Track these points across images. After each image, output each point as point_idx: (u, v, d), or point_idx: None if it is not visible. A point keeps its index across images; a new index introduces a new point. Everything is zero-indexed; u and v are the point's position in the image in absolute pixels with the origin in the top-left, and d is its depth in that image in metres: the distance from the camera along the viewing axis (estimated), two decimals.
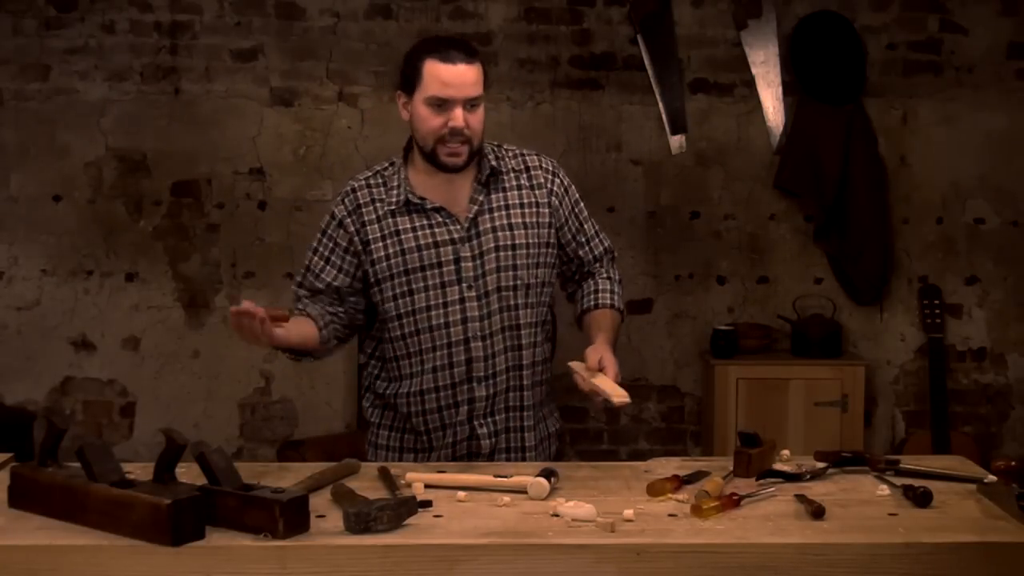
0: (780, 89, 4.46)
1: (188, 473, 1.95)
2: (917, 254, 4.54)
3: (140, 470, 2.00)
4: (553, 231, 2.49)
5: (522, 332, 2.43)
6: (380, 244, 2.39)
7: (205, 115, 4.42)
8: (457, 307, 2.37)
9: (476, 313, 2.38)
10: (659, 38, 4.44)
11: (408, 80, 2.36)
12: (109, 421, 4.49)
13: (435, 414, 2.41)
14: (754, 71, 4.46)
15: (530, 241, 2.43)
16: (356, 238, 2.41)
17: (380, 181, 2.44)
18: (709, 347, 4.38)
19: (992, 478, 2.07)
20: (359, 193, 2.43)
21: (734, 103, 4.50)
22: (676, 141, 4.48)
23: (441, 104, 2.31)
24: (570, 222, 2.53)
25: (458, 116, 2.31)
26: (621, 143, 4.49)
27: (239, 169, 4.44)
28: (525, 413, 2.46)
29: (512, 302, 2.41)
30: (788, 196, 4.51)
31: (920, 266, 4.54)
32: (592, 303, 2.53)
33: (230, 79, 4.41)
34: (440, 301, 2.37)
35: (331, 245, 2.43)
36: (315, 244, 2.47)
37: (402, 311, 2.40)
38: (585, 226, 2.56)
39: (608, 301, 2.52)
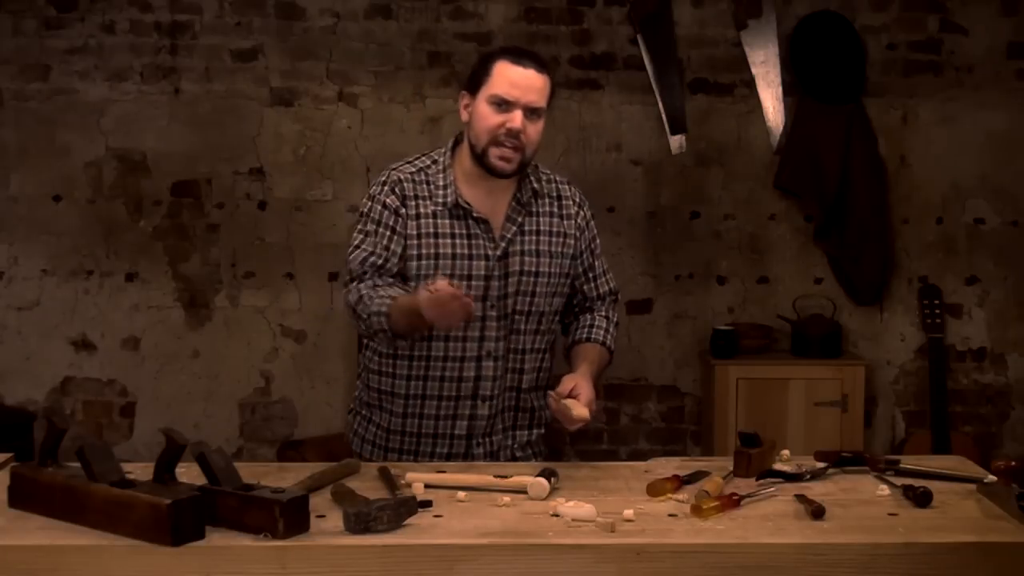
0: (780, 89, 4.46)
1: (188, 473, 1.95)
2: (917, 254, 4.54)
3: (140, 470, 1.99)
4: (575, 263, 2.49)
5: (526, 356, 2.43)
6: (416, 242, 2.36)
7: (205, 115, 4.42)
8: (478, 324, 2.35)
9: (493, 333, 2.37)
10: (659, 38, 4.44)
11: (475, 79, 2.35)
12: (109, 421, 4.49)
13: (431, 421, 2.41)
14: (754, 71, 4.46)
15: (552, 271, 2.43)
16: (404, 230, 2.37)
17: (424, 178, 2.40)
18: (709, 347, 4.37)
19: (992, 478, 2.07)
20: (406, 185, 2.39)
21: (734, 103, 4.49)
22: (676, 141, 4.47)
23: (503, 104, 2.30)
24: (584, 256, 2.52)
25: (517, 118, 2.30)
26: (621, 143, 4.49)
27: (239, 169, 4.44)
28: (518, 433, 2.47)
29: (521, 327, 2.40)
30: (788, 196, 4.51)
31: (920, 266, 4.54)
32: (584, 336, 2.51)
33: (230, 79, 4.41)
34: None
35: (389, 234, 2.37)
36: (370, 234, 2.37)
37: None
38: (596, 263, 2.55)
39: (600, 337, 2.51)
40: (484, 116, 2.32)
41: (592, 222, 2.54)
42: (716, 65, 4.49)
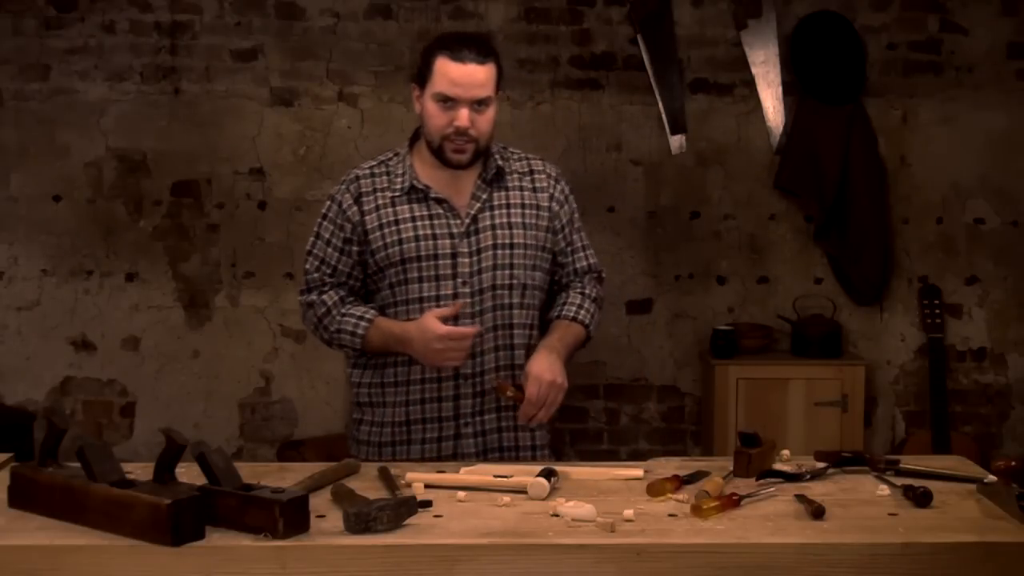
0: (780, 89, 4.46)
1: (188, 473, 1.95)
2: (917, 254, 4.54)
3: (140, 470, 1.99)
4: (550, 236, 2.49)
5: (515, 332, 2.43)
6: (378, 233, 2.40)
7: (205, 115, 4.42)
8: (449, 302, 2.37)
9: (468, 310, 2.38)
10: (659, 38, 4.44)
11: (421, 73, 2.37)
12: (109, 421, 4.49)
13: (418, 406, 2.41)
14: (754, 71, 4.46)
15: (528, 242, 2.44)
16: (358, 228, 2.42)
17: (384, 170, 2.46)
18: (709, 347, 4.37)
19: (992, 478, 2.07)
20: (362, 181, 2.45)
21: (734, 103, 4.49)
22: (676, 141, 4.48)
23: (447, 101, 2.32)
24: (565, 231, 2.53)
25: (463, 116, 2.32)
26: (621, 143, 4.49)
27: (239, 169, 4.44)
28: (517, 414, 2.43)
29: (506, 300, 2.41)
30: (788, 196, 4.51)
31: (920, 266, 4.54)
32: (556, 313, 2.51)
33: (230, 79, 4.41)
34: (433, 294, 2.38)
35: (340, 234, 2.44)
36: (320, 232, 2.46)
37: (397, 299, 2.41)
38: (575, 237, 2.55)
39: (571, 313, 2.49)
40: (432, 114, 2.35)
41: (572, 197, 2.55)
42: (716, 65, 4.49)
